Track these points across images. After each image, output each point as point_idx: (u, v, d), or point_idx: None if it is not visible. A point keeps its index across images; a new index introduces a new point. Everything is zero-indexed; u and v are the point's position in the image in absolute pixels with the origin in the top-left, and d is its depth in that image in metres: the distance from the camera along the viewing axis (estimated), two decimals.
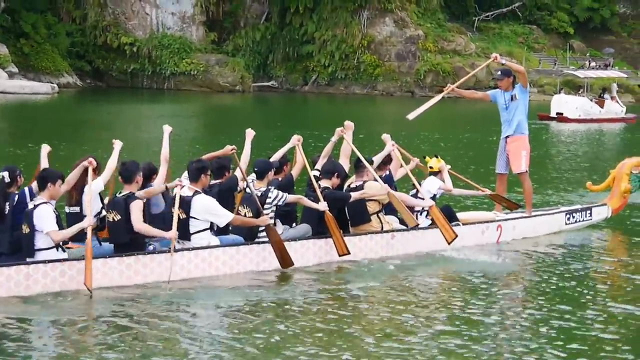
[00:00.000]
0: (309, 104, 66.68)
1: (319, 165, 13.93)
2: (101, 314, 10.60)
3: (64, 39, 72.46)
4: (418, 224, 14.07)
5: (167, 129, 13.33)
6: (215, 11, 77.16)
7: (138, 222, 11.53)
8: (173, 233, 11.64)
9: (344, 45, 75.97)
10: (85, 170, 11.75)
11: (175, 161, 13.12)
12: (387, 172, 14.49)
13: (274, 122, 43.52)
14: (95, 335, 9.87)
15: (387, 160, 14.55)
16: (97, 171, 12.03)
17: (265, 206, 12.69)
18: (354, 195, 13.45)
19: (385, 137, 14.79)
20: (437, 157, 15.14)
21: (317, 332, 10.09)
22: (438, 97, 15.29)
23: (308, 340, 9.76)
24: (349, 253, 12.92)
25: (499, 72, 15.65)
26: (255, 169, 13.05)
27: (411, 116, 15.11)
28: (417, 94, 74.31)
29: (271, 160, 13.71)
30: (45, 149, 12.37)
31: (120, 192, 11.85)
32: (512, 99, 15.34)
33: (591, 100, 53.44)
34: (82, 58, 75.11)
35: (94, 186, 11.71)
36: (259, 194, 12.73)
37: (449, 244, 13.76)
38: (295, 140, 13.83)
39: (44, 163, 12.09)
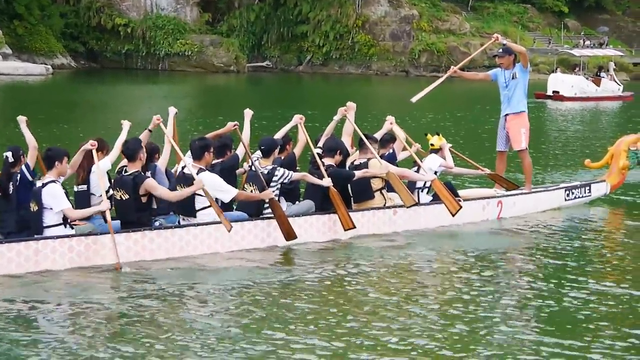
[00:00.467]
0: (304, 84, 66.62)
1: (321, 144, 14.03)
2: (106, 289, 10.72)
3: (57, 20, 72.22)
4: (416, 203, 14.07)
5: (172, 110, 13.44)
6: None
7: (167, 193, 11.87)
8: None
9: (339, 25, 75.84)
10: (89, 152, 11.89)
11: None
12: (390, 151, 14.60)
13: (269, 102, 43.51)
14: (99, 310, 9.93)
15: (390, 138, 14.67)
16: (106, 151, 12.28)
17: (272, 184, 12.82)
18: (358, 173, 13.58)
19: (389, 118, 14.84)
20: (438, 134, 15.20)
21: (320, 306, 10.18)
22: (441, 80, 15.50)
23: (310, 315, 9.82)
24: (354, 227, 13.11)
25: (500, 50, 15.80)
26: (262, 147, 13.17)
27: (415, 99, 15.38)
28: (412, 74, 74.31)
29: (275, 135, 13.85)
30: (22, 121, 12.17)
31: (125, 170, 11.97)
32: (512, 77, 15.48)
33: (587, 78, 53.44)
34: (76, 39, 74.88)
35: (102, 165, 11.91)
36: (265, 172, 12.87)
37: (453, 215, 13.96)
38: (297, 119, 13.93)
39: (28, 135, 11.91)
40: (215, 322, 9.56)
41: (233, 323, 9.53)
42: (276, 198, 12.82)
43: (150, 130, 12.79)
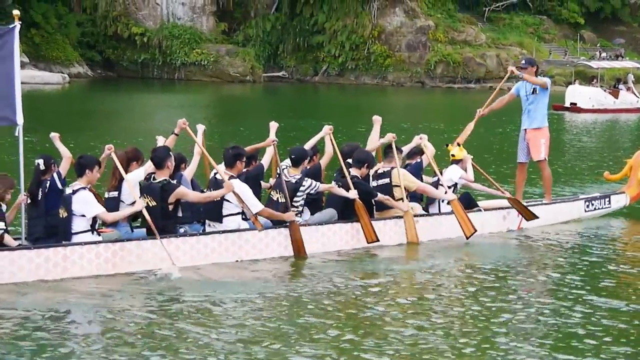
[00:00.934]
0: (320, 94, 66.71)
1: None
2: (131, 296, 10.87)
3: (74, 29, 72.63)
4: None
5: (200, 127, 13.61)
6: (225, 1, 77.35)
7: (198, 197, 12.23)
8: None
9: (354, 36, 76.01)
10: (123, 160, 12.18)
11: (190, 151, 13.31)
12: (418, 160, 14.66)
13: (285, 112, 43.56)
14: (124, 316, 10.03)
15: (418, 151, 14.69)
16: (141, 161, 12.51)
17: (298, 193, 12.99)
18: (380, 197, 13.66)
19: (422, 135, 14.83)
20: (459, 145, 15.19)
21: (339, 312, 10.27)
22: (472, 125, 15.83)
23: (329, 322, 9.90)
24: (378, 240, 13.25)
25: (523, 61, 16.00)
26: (292, 156, 13.27)
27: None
28: (428, 85, 74.36)
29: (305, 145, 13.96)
30: (55, 137, 12.34)
31: (153, 178, 12.11)
32: (532, 92, 15.61)
33: (605, 90, 53.31)
34: (93, 48, 75.31)
35: (135, 175, 12.13)
36: (294, 180, 13.00)
37: (467, 238, 13.97)
38: (327, 129, 13.98)
39: (62, 148, 12.14)
40: (233, 327, 9.63)
41: (248, 333, 9.52)
42: (301, 208, 13.05)
43: (176, 134, 12.96)
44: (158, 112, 44.99)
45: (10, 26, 11.74)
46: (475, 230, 13.98)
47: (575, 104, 50.54)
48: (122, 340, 9.21)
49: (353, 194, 13.20)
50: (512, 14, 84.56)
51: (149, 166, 12.28)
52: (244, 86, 70.05)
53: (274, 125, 13.95)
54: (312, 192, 13.11)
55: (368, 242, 13.26)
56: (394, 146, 14.08)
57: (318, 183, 13.17)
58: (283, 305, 10.59)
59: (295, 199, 12.96)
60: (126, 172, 12.13)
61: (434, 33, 76.34)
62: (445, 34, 76.84)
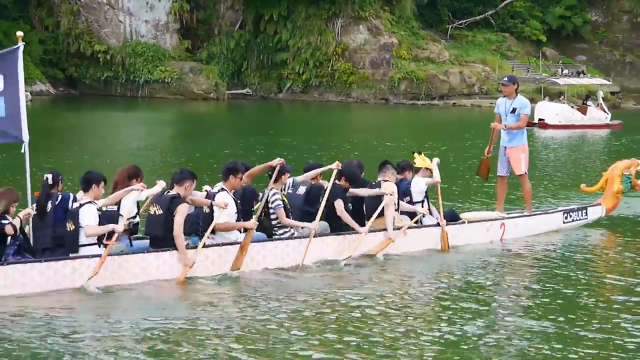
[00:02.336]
0: (284, 112, 66.71)
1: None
2: (136, 306, 11.37)
3: (36, 46, 72.08)
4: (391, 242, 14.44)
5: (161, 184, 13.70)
6: (189, 19, 77.11)
7: (178, 226, 12.42)
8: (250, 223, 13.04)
9: (318, 53, 76.06)
10: (128, 178, 12.88)
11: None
12: (408, 179, 15.22)
13: (249, 129, 43.53)
14: (127, 326, 10.44)
15: (406, 166, 15.37)
16: (140, 178, 13.02)
17: (270, 209, 13.63)
18: (352, 190, 14.23)
19: (435, 159, 15.56)
20: (420, 153, 15.62)
21: (327, 323, 10.69)
22: (486, 166, 16.79)
23: (317, 331, 10.31)
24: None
25: (506, 78, 16.78)
26: (269, 173, 13.83)
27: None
28: (391, 101, 74.55)
29: (303, 177, 14.63)
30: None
31: (168, 191, 12.70)
32: (512, 111, 16.23)
33: (572, 107, 53.77)
34: (55, 66, 74.80)
35: (137, 195, 12.68)
36: (266, 193, 13.61)
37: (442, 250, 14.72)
38: (335, 165, 14.26)
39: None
40: (232, 340, 10.03)
41: (248, 338, 9.86)
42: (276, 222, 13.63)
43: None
44: (122, 129, 44.81)
45: (15, 47, 12.48)
46: (449, 249, 14.70)
47: (543, 120, 50.98)
48: (125, 350, 9.56)
49: (314, 224, 13.59)
50: (475, 32, 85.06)
51: (150, 192, 12.83)
52: (208, 103, 69.89)
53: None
54: (271, 206, 13.57)
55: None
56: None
57: (281, 204, 13.57)
58: (271, 311, 11.09)
59: (271, 212, 13.60)
60: (125, 186, 12.71)
61: (397, 50, 76.55)
62: (409, 51, 77.08)
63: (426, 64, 76.73)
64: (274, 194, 13.59)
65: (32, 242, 12.25)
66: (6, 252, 11.68)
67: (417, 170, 15.39)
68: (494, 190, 17.20)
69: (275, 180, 13.71)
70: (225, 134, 42.72)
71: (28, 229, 12.28)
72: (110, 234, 12.20)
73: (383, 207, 14.25)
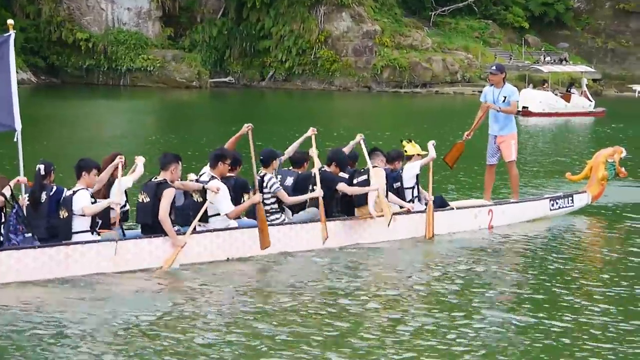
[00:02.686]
0: (267, 100, 66.60)
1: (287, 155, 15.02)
2: (129, 291, 11.56)
3: (18, 34, 71.31)
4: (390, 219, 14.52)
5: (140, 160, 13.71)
6: (171, 7, 76.89)
7: (163, 210, 12.45)
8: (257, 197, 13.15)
9: (301, 41, 75.92)
10: (116, 168, 12.72)
11: (132, 162, 13.53)
12: (399, 168, 15.31)
13: (232, 117, 43.43)
14: (123, 311, 10.57)
15: (397, 155, 15.40)
16: (126, 166, 13.05)
17: (265, 192, 13.65)
18: (340, 186, 14.32)
19: (431, 142, 15.73)
20: (410, 141, 15.76)
21: (317, 308, 10.76)
22: (462, 146, 16.75)
23: (309, 316, 10.43)
24: (327, 237, 13.72)
25: (494, 67, 16.84)
26: (261, 157, 13.99)
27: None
28: (374, 89, 74.54)
29: (286, 152, 14.88)
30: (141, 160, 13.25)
31: (155, 177, 12.78)
32: (502, 100, 16.26)
33: (556, 94, 53.79)
34: (37, 54, 74.38)
35: (125, 182, 12.81)
36: (259, 177, 13.67)
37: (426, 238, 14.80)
38: (310, 132, 14.73)
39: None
40: (224, 324, 10.19)
41: (238, 325, 10.06)
42: (275, 207, 13.83)
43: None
44: (105, 118, 44.65)
45: (6, 35, 12.47)
46: (433, 236, 14.76)
47: (527, 107, 50.93)
48: (119, 334, 9.70)
49: (318, 191, 13.76)
50: (457, 19, 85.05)
51: (136, 177, 13.09)
52: (191, 92, 69.73)
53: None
54: (271, 191, 13.69)
55: (323, 242, 13.74)
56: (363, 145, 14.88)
57: (279, 187, 13.78)
58: (263, 298, 11.20)
59: (265, 197, 13.61)
60: (111, 176, 12.82)
61: (380, 38, 76.48)
62: (392, 39, 77.01)
63: (409, 52, 76.69)
64: (270, 179, 13.72)
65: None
66: (6, 225, 11.98)
67: (409, 158, 15.52)
68: (473, 178, 17.15)
69: (267, 165, 13.88)
70: (208, 122, 42.67)
71: (21, 199, 12.36)
72: (105, 222, 12.49)
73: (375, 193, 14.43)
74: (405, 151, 15.56)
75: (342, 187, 14.30)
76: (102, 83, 74.03)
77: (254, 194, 13.27)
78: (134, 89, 70.60)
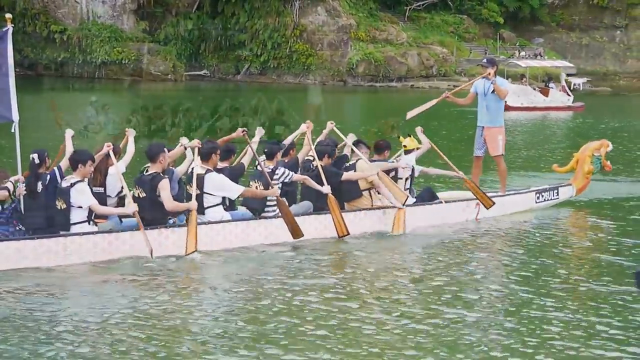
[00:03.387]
0: (242, 93, 66.39)
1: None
2: (125, 282, 11.63)
3: None
4: (407, 197, 14.90)
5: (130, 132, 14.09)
6: (146, 0, 76.61)
7: (168, 200, 12.66)
8: (193, 204, 12.80)
9: (276, 35, 75.91)
10: (106, 156, 12.93)
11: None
12: (386, 157, 15.56)
13: (208, 111, 43.34)
14: (118, 300, 10.69)
15: (386, 145, 15.58)
16: (118, 155, 13.29)
17: (273, 182, 13.76)
18: (346, 175, 14.65)
19: (418, 128, 16.32)
20: (409, 136, 15.98)
21: (312, 303, 10.77)
22: (434, 101, 16.77)
23: (306, 308, 10.48)
24: (348, 234, 14.00)
25: (485, 60, 17.24)
26: (265, 150, 14.28)
27: (409, 115, 16.64)
28: (350, 83, 74.58)
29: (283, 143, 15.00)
30: (69, 132, 13.35)
31: (146, 170, 12.93)
32: (492, 91, 16.70)
33: (534, 89, 53.96)
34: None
35: (120, 168, 12.98)
36: (268, 170, 13.85)
37: (487, 209, 15.69)
38: (305, 127, 14.89)
39: (69, 146, 13.13)
40: (218, 314, 10.22)
41: (234, 316, 10.13)
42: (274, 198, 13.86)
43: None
44: (80, 111, 44.44)
45: (4, 29, 12.92)
46: (493, 203, 15.76)
47: (505, 102, 50.88)
48: (115, 325, 9.76)
49: (326, 189, 14.03)
50: (432, 13, 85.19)
51: (128, 159, 13.35)
52: (165, 85, 69.49)
53: (259, 131, 14.73)
54: (286, 180, 13.94)
55: (339, 237, 13.95)
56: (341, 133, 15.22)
57: (292, 173, 14.05)
58: (259, 290, 11.27)
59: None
60: (105, 165, 13.02)
61: (355, 32, 76.58)
62: (367, 33, 77.13)
63: (384, 46, 76.84)
64: (282, 172, 13.99)
65: (24, 223, 12.49)
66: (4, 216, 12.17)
67: (408, 153, 15.78)
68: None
69: (271, 158, 14.16)
70: (183, 115, 42.50)
71: (19, 188, 12.45)
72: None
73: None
74: (405, 146, 15.82)
75: (347, 175, 14.62)
76: (76, 76, 73.63)
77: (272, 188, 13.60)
78: (109, 81, 70.29)
